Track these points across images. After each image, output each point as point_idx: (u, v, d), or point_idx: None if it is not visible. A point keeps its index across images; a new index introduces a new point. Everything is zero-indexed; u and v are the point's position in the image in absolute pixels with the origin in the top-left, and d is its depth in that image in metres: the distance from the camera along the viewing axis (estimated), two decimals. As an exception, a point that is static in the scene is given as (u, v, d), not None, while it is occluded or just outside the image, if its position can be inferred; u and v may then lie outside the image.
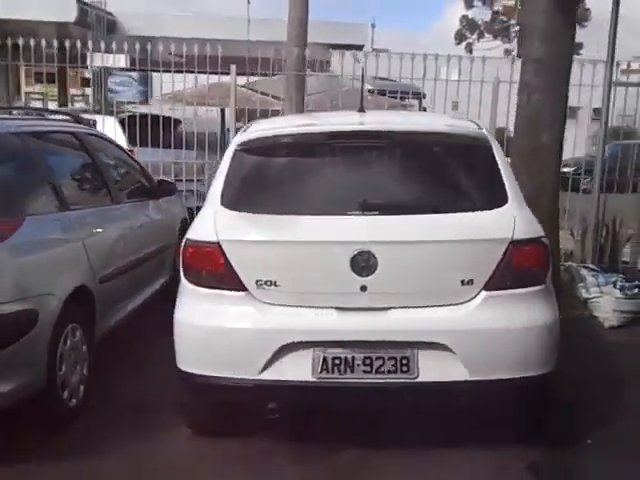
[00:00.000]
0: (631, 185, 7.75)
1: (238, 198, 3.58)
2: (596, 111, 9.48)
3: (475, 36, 41.10)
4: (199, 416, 3.81)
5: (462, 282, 3.36)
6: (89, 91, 20.05)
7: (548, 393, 3.57)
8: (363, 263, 3.31)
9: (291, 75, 9.49)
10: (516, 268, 3.37)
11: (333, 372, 3.33)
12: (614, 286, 5.97)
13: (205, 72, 8.46)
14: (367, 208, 3.41)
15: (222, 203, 3.57)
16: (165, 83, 8.89)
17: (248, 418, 3.80)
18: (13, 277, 3.53)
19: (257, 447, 3.71)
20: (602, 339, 5.67)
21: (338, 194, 3.55)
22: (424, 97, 13.13)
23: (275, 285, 3.37)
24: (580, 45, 43.26)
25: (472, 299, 3.37)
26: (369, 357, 3.33)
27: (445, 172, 3.67)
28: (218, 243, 3.41)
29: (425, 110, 12.48)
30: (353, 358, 3.33)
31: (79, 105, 18.65)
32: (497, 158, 3.67)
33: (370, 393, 3.37)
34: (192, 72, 8.33)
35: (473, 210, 3.46)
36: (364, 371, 3.33)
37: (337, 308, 3.39)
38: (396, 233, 3.36)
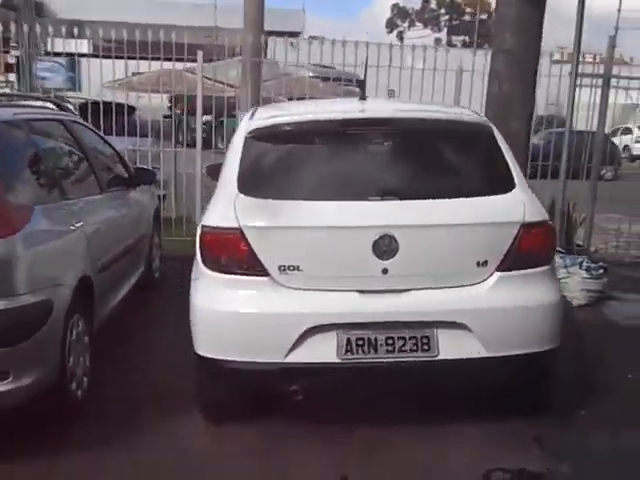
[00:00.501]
0: (585, 171, 8.08)
1: (256, 184, 3.62)
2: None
3: (406, 24, 41.83)
4: (216, 402, 3.84)
5: (477, 263, 3.52)
6: (12, 77, 19.34)
7: (553, 367, 3.78)
8: (385, 247, 3.42)
9: (248, 62, 9.48)
10: (526, 249, 3.55)
11: (357, 353, 3.44)
12: (580, 267, 6.28)
13: (147, 58, 8.24)
14: (386, 193, 3.53)
15: (240, 189, 3.60)
16: (101, 69, 8.60)
17: (263, 402, 3.88)
18: (29, 268, 3.47)
19: (274, 430, 3.78)
20: (572, 317, 5.98)
21: (357, 180, 3.65)
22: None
23: (298, 270, 3.44)
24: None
25: (486, 279, 3.54)
26: (391, 337, 3.46)
27: (456, 158, 3.82)
28: (240, 229, 3.45)
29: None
30: (376, 339, 3.45)
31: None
32: (500, 144, 3.85)
33: (393, 372, 3.49)
34: (134, 59, 8.18)
35: (484, 195, 3.62)
36: (387, 351, 3.45)
37: (359, 291, 3.49)
38: (416, 217, 3.49)
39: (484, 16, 44.84)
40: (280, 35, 10.43)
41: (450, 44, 35.56)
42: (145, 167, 6.17)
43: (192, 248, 3.74)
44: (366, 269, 3.47)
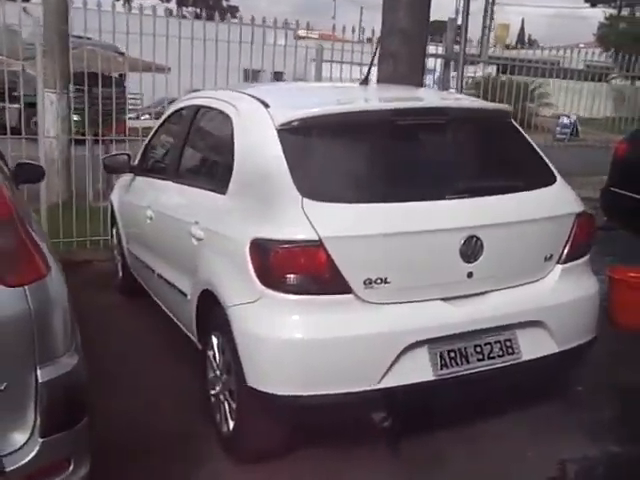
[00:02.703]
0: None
1: (320, 187, 3.08)
2: (276, 74, 9.91)
3: (134, -8, 39.69)
4: (263, 441, 3.27)
5: (545, 258, 3.43)
6: None
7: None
8: (471, 249, 3.17)
9: (56, 29, 8.29)
10: (579, 240, 3.54)
11: (452, 366, 3.17)
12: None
13: None
14: (461, 191, 3.25)
15: (302, 194, 3.04)
16: None
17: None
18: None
19: (329, 461, 3.35)
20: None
21: (428, 177, 3.30)
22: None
23: (386, 282, 3.03)
24: (236, 8, 44.91)
25: (550, 273, 3.47)
26: (479, 345, 3.24)
27: (504, 150, 3.64)
28: (320, 241, 2.93)
29: None
30: (465, 348, 3.21)
31: None
32: (524, 133, 3.77)
33: (485, 380, 3.27)
34: None
35: (539, 187, 3.51)
36: (478, 359, 3.23)
37: (443, 299, 3.20)
38: (497, 215, 3.28)
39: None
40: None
41: (182, 16, 34.45)
42: (30, 162, 4.95)
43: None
44: (453, 274, 3.19)
